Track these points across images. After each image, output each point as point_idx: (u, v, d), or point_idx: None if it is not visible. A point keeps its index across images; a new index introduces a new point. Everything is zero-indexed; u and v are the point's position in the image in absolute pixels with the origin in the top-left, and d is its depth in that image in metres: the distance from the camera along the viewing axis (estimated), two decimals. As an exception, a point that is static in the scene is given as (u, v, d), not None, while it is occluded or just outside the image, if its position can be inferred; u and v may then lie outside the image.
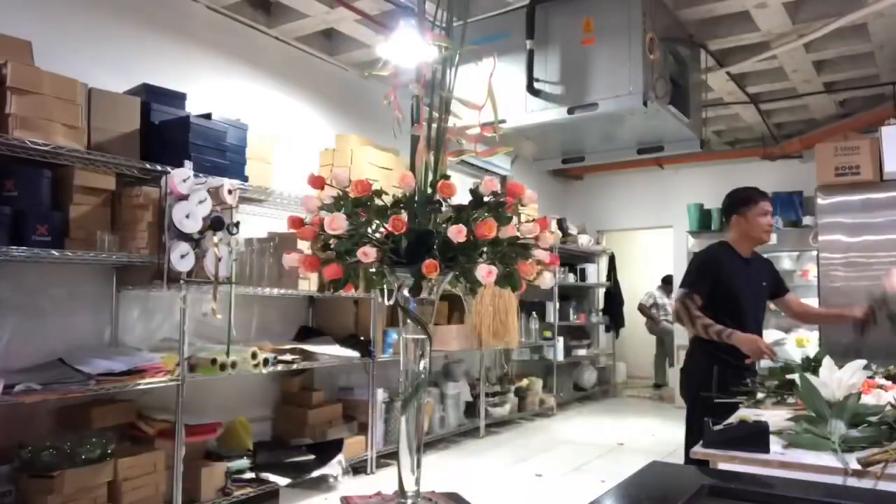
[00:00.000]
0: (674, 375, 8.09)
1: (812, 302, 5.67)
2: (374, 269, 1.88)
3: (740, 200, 3.13)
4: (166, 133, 3.56)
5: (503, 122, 2.09)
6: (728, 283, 3.07)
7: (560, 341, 7.49)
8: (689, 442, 2.95)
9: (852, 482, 1.51)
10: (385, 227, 1.82)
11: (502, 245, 1.86)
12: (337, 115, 5.23)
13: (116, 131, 3.37)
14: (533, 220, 1.93)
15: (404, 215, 1.83)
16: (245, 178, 3.91)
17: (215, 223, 3.44)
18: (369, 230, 1.86)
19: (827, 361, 1.95)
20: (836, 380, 1.86)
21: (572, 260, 8.28)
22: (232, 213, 3.55)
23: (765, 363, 2.96)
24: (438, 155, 2.02)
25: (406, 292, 1.91)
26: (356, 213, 1.82)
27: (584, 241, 8.22)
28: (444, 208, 1.92)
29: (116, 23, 3.87)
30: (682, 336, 7.58)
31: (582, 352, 8.05)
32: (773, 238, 6.93)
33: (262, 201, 4.22)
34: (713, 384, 2.77)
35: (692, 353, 3.23)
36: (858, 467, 1.52)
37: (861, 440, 1.68)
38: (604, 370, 8.66)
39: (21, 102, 2.98)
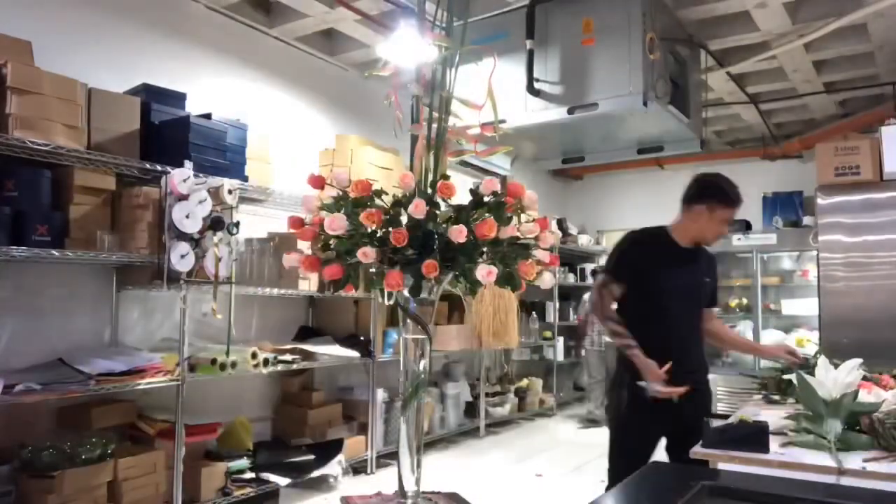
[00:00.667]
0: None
1: (812, 302, 5.67)
2: (374, 269, 1.88)
3: (719, 194, 2.62)
4: (166, 133, 3.56)
5: (503, 122, 2.08)
6: (656, 277, 2.57)
7: (560, 341, 7.48)
8: (612, 481, 2.64)
9: (850, 482, 1.51)
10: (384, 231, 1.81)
11: (502, 245, 1.86)
12: (337, 115, 5.23)
13: (116, 131, 3.37)
14: (533, 220, 1.93)
15: (405, 217, 1.82)
16: (245, 178, 3.91)
17: (215, 223, 3.44)
18: (369, 230, 1.86)
19: (822, 361, 1.95)
20: (831, 379, 1.86)
21: (572, 260, 8.27)
22: (232, 213, 3.55)
23: (766, 363, 2.95)
24: (438, 155, 2.02)
25: (406, 292, 1.91)
26: (356, 214, 1.82)
27: (584, 241, 8.22)
28: (443, 208, 1.92)
29: (116, 23, 3.87)
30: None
31: (582, 352, 8.04)
32: (773, 238, 6.99)
33: (262, 201, 4.22)
34: (623, 404, 2.58)
35: (615, 367, 2.77)
36: (853, 467, 1.52)
37: (862, 444, 1.68)
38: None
39: (21, 102, 2.98)
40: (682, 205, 2.66)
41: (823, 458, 1.61)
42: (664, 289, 2.57)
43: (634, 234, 2.72)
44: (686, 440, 2.01)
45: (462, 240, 1.76)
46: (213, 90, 4.29)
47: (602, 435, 6.29)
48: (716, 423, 1.90)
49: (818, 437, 1.71)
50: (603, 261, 8.69)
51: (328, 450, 4.26)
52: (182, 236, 3.34)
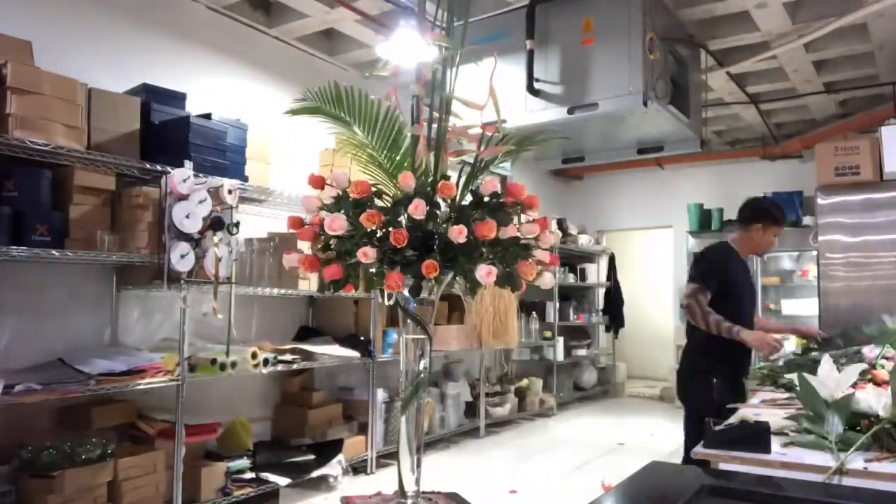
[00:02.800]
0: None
1: (812, 302, 5.67)
2: (374, 270, 1.88)
3: (772, 215, 3.32)
4: (166, 133, 3.55)
5: (504, 121, 2.08)
6: (733, 284, 3.23)
7: (560, 341, 7.48)
8: (689, 446, 3.03)
9: (851, 482, 1.51)
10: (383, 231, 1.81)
11: (503, 245, 1.86)
12: (337, 115, 5.22)
13: (116, 131, 3.37)
14: (533, 220, 1.93)
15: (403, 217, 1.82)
16: (245, 178, 3.91)
17: (215, 223, 3.44)
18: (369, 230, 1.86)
19: (826, 360, 1.95)
20: (834, 379, 1.86)
21: (572, 260, 8.27)
22: (232, 213, 3.55)
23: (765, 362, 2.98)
24: (439, 155, 2.02)
25: (406, 292, 1.91)
26: (356, 215, 1.82)
27: (584, 241, 8.22)
28: (443, 208, 1.92)
29: (116, 23, 3.87)
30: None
31: (582, 352, 8.05)
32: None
33: (262, 201, 4.22)
34: (714, 395, 2.98)
35: (692, 357, 3.33)
36: (854, 467, 1.52)
37: (863, 444, 1.68)
38: (604, 370, 8.65)
39: (21, 102, 2.98)
40: (740, 224, 3.39)
41: (824, 459, 1.61)
42: (740, 294, 3.26)
43: (718, 252, 3.37)
44: None
45: (462, 240, 1.75)
46: (213, 90, 4.29)
47: (603, 434, 6.29)
48: (717, 423, 1.90)
49: (819, 438, 1.71)
50: (603, 261, 8.70)
51: (328, 450, 4.26)
52: (182, 236, 3.34)
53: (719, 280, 3.19)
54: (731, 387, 3.05)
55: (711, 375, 3.08)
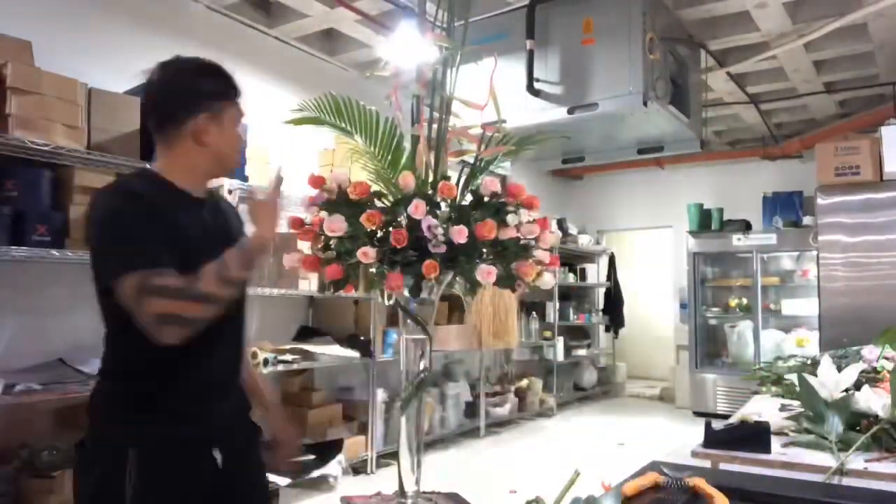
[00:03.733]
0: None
1: (812, 302, 5.66)
2: (374, 270, 1.87)
3: (201, 94, 1.76)
4: (166, 133, 3.55)
5: (504, 122, 2.08)
6: (175, 237, 1.53)
7: (560, 341, 7.48)
8: None
9: (850, 482, 1.51)
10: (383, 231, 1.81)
11: (503, 245, 1.85)
12: (337, 115, 5.22)
13: (116, 131, 3.37)
14: (533, 221, 1.92)
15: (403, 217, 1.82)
16: (245, 178, 3.91)
17: (215, 223, 3.43)
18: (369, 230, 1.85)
19: (825, 360, 1.95)
20: (833, 379, 1.86)
21: (572, 260, 8.27)
22: (232, 213, 3.54)
23: (764, 363, 2.96)
24: (439, 155, 2.02)
25: (406, 292, 1.90)
26: (355, 216, 1.82)
27: (584, 241, 8.22)
28: (444, 208, 1.92)
29: (116, 23, 3.87)
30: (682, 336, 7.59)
31: (582, 352, 8.05)
32: (773, 238, 7.00)
33: (262, 201, 4.22)
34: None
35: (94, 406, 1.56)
36: (854, 467, 1.52)
37: (863, 444, 1.68)
38: (604, 370, 8.65)
39: (21, 102, 2.98)
40: (160, 135, 1.74)
41: (824, 459, 1.61)
42: (193, 258, 1.57)
43: (130, 195, 1.56)
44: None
45: (463, 240, 1.75)
46: (213, 90, 4.28)
47: (603, 434, 6.28)
48: (717, 423, 1.90)
49: (819, 437, 1.71)
50: (603, 261, 8.70)
51: (328, 450, 4.26)
52: (182, 236, 3.33)
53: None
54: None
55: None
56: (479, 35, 3.72)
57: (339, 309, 4.91)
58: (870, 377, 2.14)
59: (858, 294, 4.62)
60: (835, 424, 1.72)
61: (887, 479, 1.49)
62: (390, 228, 1.78)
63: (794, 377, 2.22)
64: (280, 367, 4.02)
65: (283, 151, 4.43)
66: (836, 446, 1.64)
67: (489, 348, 5.99)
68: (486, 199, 1.91)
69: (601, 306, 8.67)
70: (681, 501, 1.16)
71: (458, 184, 1.92)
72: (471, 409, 5.99)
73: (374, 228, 1.78)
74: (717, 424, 1.88)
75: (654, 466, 1.54)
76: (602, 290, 8.73)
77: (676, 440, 5.31)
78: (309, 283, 4.16)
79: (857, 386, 1.93)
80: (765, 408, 2.29)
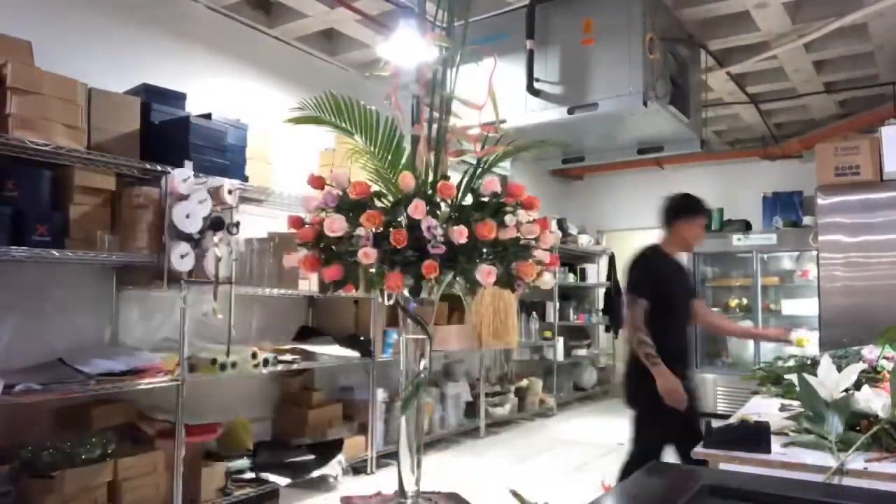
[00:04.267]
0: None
1: (812, 302, 5.67)
2: (374, 270, 1.88)
3: (692, 207, 3.24)
4: (166, 133, 3.55)
5: (504, 121, 2.08)
6: (666, 288, 3.10)
7: (560, 341, 7.48)
8: (639, 454, 3.02)
9: (850, 482, 1.51)
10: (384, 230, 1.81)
11: (503, 246, 1.85)
12: (337, 115, 5.22)
13: (116, 131, 3.37)
14: (533, 221, 1.93)
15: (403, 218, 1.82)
16: (245, 178, 3.91)
17: (215, 223, 3.44)
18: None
19: (825, 360, 1.95)
20: (833, 379, 1.86)
21: (572, 260, 8.27)
22: (232, 213, 3.55)
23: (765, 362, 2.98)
24: (439, 155, 2.02)
25: (406, 292, 1.91)
26: (355, 216, 1.82)
27: (584, 241, 8.22)
28: (444, 208, 1.92)
29: (116, 23, 3.87)
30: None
31: (582, 352, 8.05)
32: (773, 238, 6.99)
33: (262, 201, 4.22)
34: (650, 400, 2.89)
35: (638, 361, 3.10)
36: (854, 467, 1.52)
37: (863, 444, 1.68)
38: (604, 370, 8.65)
39: (21, 102, 2.98)
40: (664, 224, 3.29)
41: (824, 459, 1.61)
42: (672, 301, 3.11)
43: (648, 257, 3.20)
44: (687, 434, 2.60)
45: (463, 241, 1.75)
46: (213, 90, 4.29)
47: (603, 434, 6.29)
48: (717, 423, 1.90)
49: (819, 437, 1.71)
50: (603, 261, 8.70)
51: (328, 450, 4.26)
52: (182, 236, 3.34)
53: (652, 290, 3.06)
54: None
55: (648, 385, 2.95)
56: (479, 35, 3.72)
57: (339, 309, 4.91)
58: (870, 377, 2.14)
59: (858, 294, 4.61)
60: (835, 424, 1.72)
61: (887, 479, 1.49)
62: (390, 228, 1.78)
63: (793, 377, 2.21)
64: (280, 367, 4.02)
65: (283, 151, 4.44)
66: (836, 446, 1.64)
67: (489, 348, 5.99)
68: (486, 199, 1.92)
69: (601, 306, 8.67)
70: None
71: (458, 184, 1.92)
72: (471, 409, 5.99)
73: (373, 229, 1.78)
74: (717, 424, 1.88)
75: (654, 466, 1.54)
76: (602, 290, 8.72)
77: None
78: (309, 283, 4.15)
79: (857, 386, 1.93)
80: (765, 408, 2.29)
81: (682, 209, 3.24)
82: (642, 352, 2.95)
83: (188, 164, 3.44)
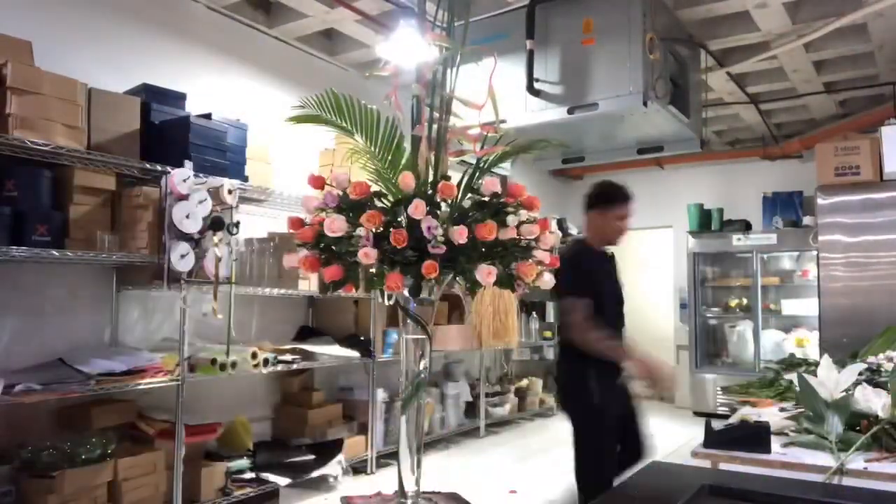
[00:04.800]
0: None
1: (812, 302, 5.67)
2: (374, 270, 1.87)
3: (605, 196, 3.00)
4: (166, 133, 3.55)
5: (504, 121, 2.08)
6: (597, 284, 2.91)
7: (560, 341, 7.47)
8: (588, 459, 2.85)
9: (850, 482, 1.51)
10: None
11: (503, 246, 1.85)
12: (337, 115, 5.22)
13: (116, 131, 3.37)
14: (533, 221, 1.92)
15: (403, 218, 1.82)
16: (245, 178, 3.91)
17: (215, 223, 3.44)
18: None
19: (825, 361, 1.95)
20: (833, 380, 1.86)
21: (572, 260, 8.25)
22: (232, 213, 3.55)
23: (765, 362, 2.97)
24: (439, 155, 2.02)
25: (406, 292, 1.90)
26: (355, 217, 1.82)
27: (584, 241, 8.20)
28: (444, 208, 1.92)
29: (116, 23, 3.87)
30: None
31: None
32: (773, 238, 6.97)
33: (262, 201, 4.22)
34: (593, 393, 2.77)
35: (566, 359, 3.01)
36: (854, 467, 1.52)
37: (863, 444, 1.68)
38: (604, 370, 8.64)
39: (21, 102, 2.98)
40: (583, 216, 3.06)
41: (824, 459, 1.61)
42: (603, 292, 2.91)
43: (572, 252, 3.03)
44: (629, 427, 2.86)
45: (463, 241, 1.75)
46: (213, 90, 4.29)
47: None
48: (717, 423, 1.90)
49: (819, 438, 1.71)
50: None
51: (328, 450, 4.26)
52: (182, 236, 3.34)
53: (587, 284, 2.85)
54: (610, 388, 2.86)
55: (585, 369, 2.82)
56: (479, 35, 3.73)
57: (339, 309, 4.91)
58: (871, 378, 2.14)
59: (858, 294, 4.62)
60: (835, 424, 1.72)
61: (887, 479, 1.49)
62: (390, 228, 1.78)
63: (793, 377, 2.22)
64: (280, 367, 4.02)
65: (283, 151, 4.44)
66: (836, 446, 1.64)
67: (489, 348, 5.99)
68: (486, 199, 1.92)
69: (601, 306, 8.65)
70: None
71: (458, 184, 1.92)
72: (471, 409, 5.99)
73: (373, 230, 1.78)
74: (717, 424, 1.88)
75: (654, 466, 1.54)
76: (602, 290, 8.71)
77: (676, 440, 5.30)
78: (309, 283, 4.15)
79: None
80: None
81: (596, 198, 3.01)
82: (610, 352, 2.79)
83: (188, 164, 3.44)
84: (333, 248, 1.84)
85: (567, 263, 2.78)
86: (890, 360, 2.35)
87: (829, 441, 1.67)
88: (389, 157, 2.00)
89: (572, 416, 2.93)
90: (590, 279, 2.86)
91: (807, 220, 6.76)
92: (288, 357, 4.11)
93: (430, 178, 1.97)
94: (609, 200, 2.97)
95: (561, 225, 7.80)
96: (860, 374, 2.00)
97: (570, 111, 4.05)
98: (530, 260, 1.90)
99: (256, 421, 4.37)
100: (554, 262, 1.98)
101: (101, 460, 3.12)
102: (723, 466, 1.66)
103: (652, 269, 9.64)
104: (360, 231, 1.76)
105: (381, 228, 1.79)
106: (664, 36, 4.05)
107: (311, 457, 4.17)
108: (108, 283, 3.67)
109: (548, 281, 1.96)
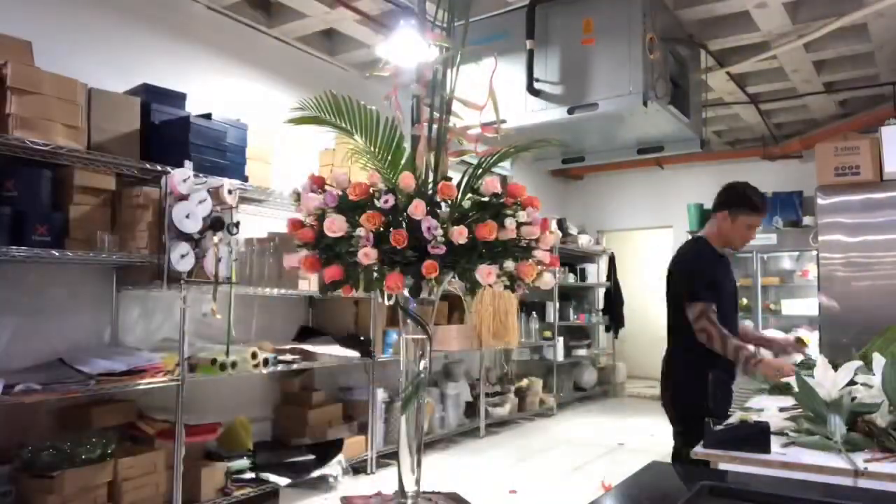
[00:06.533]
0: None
1: (812, 302, 5.67)
2: (374, 270, 1.88)
3: (743, 201, 2.83)
4: (166, 133, 3.55)
5: (504, 122, 2.08)
6: (720, 287, 2.83)
7: (560, 341, 7.48)
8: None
9: (848, 481, 1.51)
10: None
11: (503, 247, 1.85)
12: (337, 115, 5.22)
13: (116, 131, 3.37)
14: (531, 223, 1.92)
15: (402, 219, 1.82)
16: (245, 178, 3.91)
17: (215, 223, 3.44)
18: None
19: (821, 361, 1.95)
20: (830, 379, 1.85)
21: (572, 260, 8.27)
22: (232, 213, 3.55)
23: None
24: (439, 155, 2.02)
25: (406, 292, 1.90)
26: (356, 217, 1.82)
27: (584, 241, 8.22)
28: (444, 208, 1.92)
29: (116, 23, 3.87)
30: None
31: (582, 352, 8.05)
32: (773, 238, 6.98)
33: (262, 201, 4.22)
34: (709, 395, 2.63)
35: (676, 362, 2.99)
36: (867, 467, 1.52)
37: (862, 444, 1.68)
38: (604, 370, 8.65)
39: (21, 102, 2.98)
40: (712, 211, 2.90)
41: (825, 459, 1.61)
42: (722, 293, 2.82)
43: (701, 254, 2.89)
44: None
45: (463, 241, 1.75)
46: (213, 90, 4.29)
47: (603, 434, 6.28)
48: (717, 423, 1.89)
49: (823, 438, 1.71)
50: (603, 261, 8.68)
51: (328, 450, 4.26)
52: (182, 236, 3.34)
53: (713, 286, 2.78)
54: (723, 384, 2.78)
55: (701, 373, 2.66)
56: (479, 35, 3.73)
57: (339, 309, 4.91)
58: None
59: (858, 294, 4.61)
60: (838, 425, 1.72)
61: (887, 479, 1.49)
62: (390, 229, 1.78)
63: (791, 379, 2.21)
64: (280, 367, 4.02)
65: (283, 151, 4.44)
66: (843, 447, 1.64)
67: (489, 348, 5.99)
68: (486, 199, 1.92)
69: (601, 306, 8.67)
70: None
71: (458, 184, 1.92)
72: (471, 409, 5.99)
73: (374, 230, 1.78)
74: (717, 424, 1.88)
75: (654, 466, 1.54)
76: (602, 290, 8.73)
77: (676, 440, 5.30)
78: (309, 283, 4.16)
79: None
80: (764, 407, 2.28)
81: (732, 200, 2.84)
82: (740, 356, 2.65)
83: (188, 164, 3.44)
84: (333, 248, 1.84)
85: (693, 265, 2.85)
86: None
87: (836, 442, 1.67)
88: (389, 158, 2.00)
89: (681, 416, 2.89)
90: (714, 283, 2.78)
91: (807, 220, 6.76)
92: (288, 357, 4.11)
93: (431, 179, 1.97)
94: (747, 206, 2.81)
95: (561, 225, 7.81)
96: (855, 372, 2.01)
97: (570, 111, 4.05)
98: (530, 260, 1.90)
99: (256, 421, 4.37)
100: (554, 262, 1.98)
101: (101, 460, 3.12)
102: (723, 466, 1.66)
103: (652, 269, 9.65)
104: (360, 231, 1.76)
105: (381, 229, 1.79)
106: (664, 36, 4.05)
107: (311, 457, 4.17)
108: (108, 283, 3.67)
109: (548, 281, 1.96)
